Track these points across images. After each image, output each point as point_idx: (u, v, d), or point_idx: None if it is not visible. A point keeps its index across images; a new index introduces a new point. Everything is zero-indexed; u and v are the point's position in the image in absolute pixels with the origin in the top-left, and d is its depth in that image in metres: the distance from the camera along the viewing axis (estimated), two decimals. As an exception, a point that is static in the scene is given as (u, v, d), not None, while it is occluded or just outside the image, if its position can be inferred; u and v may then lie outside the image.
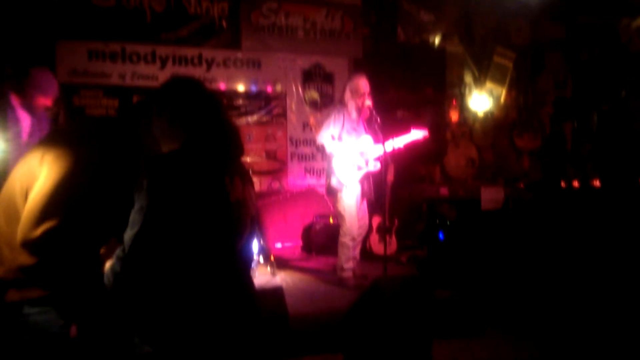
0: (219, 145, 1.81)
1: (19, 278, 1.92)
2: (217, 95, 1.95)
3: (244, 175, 1.90)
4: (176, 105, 1.81)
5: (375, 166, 4.68)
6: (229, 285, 1.78)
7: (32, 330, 1.98)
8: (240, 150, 1.93)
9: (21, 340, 2.00)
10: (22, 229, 1.83)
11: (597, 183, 6.25)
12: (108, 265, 1.76)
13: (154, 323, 1.70)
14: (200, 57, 6.07)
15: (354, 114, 4.66)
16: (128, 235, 1.66)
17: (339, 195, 4.64)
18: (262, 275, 4.88)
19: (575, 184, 6.33)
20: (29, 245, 1.83)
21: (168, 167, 1.69)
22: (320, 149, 4.68)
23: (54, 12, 5.33)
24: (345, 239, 4.64)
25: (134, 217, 1.65)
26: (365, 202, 4.80)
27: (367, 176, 4.73)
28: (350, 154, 4.60)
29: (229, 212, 1.75)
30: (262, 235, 5.22)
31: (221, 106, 1.93)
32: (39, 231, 1.80)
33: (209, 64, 6.11)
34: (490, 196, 5.66)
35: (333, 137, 4.58)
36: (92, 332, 2.31)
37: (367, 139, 4.66)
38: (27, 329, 1.98)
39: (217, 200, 1.72)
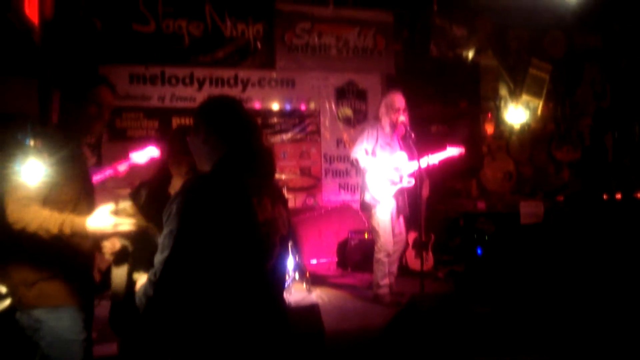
0: (249, 165, 1.84)
1: (36, 278, 2.17)
2: (251, 116, 1.98)
3: (274, 194, 1.92)
4: (209, 123, 1.86)
5: (409, 182, 4.67)
6: (260, 306, 1.80)
7: (46, 335, 2.17)
8: (271, 170, 1.95)
9: (35, 344, 2.18)
10: (7, 216, 2.11)
11: (640, 195, 6.05)
12: (139, 286, 1.80)
13: (187, 348, 1.73)
14: (236, 77, 6.21)
15: (387, 129, 4.68)
16: (158, 259, 1.69)
17: (373, 211, 4.65)
18: (298, 292, 4.91)
19: (618, 195, 6.14)
20: (13, 220, 2.08)
21: (196, 191, 1.72)
22: (354, 164, 4.72)
23: (97, 38, 5.57)
24: (380, 255, 4.63)
25: (164, 242, 1.69)
26: (402, 218, 4.80)
27: (401, 192, 4.73)
28: (384, 170, 4.61)
29: (257, 233, 1.77)
30: (298, 251, 5.27)
31: (254, 126, 1.96)
32: (13, 206, 2.09)
33: (245, 84, 6.25)
34: (530, 210, 5.54)
35: (367, 152, 4.62)
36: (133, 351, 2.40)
37: (401, 155, 4.67)
38: (42, 334, 2.17)
39: (245, 223, 1.75)
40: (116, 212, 2.17)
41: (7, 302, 2.23)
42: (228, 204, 1.73)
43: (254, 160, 1.87)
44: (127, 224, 2.15)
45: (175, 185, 2.56)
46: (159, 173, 2.60)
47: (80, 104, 2.32)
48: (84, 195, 2.35)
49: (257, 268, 1.79)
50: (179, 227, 1.67)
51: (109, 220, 2.14)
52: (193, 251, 1.68)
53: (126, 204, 2.23)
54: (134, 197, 2.52)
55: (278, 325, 1.86)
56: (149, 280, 1.72)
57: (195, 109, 1.97)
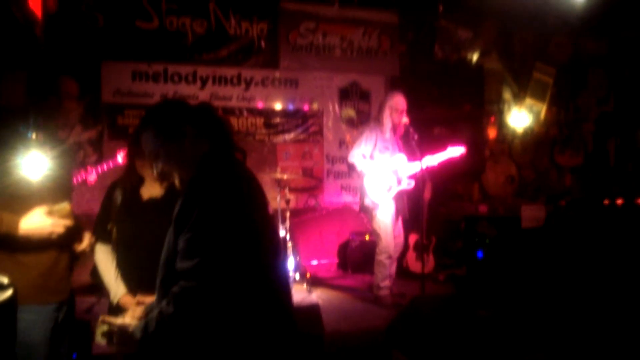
0: (238, 159, 1.83)
1: None
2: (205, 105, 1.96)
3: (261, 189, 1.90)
4: (192, 124, 1.80)
5: (408, 184, 4.65)
6: (277, 302, 1.77)
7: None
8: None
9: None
10: None
11: (643, 201, 6.03)
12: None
13: (203, 348, 1.67)
14: (239, 76, 6.19)
15: (387, 133, 4.65)
16: (183, 267, 1.62)
17: (374, 213, 4.62)
18: (298, 293, 4.88)
19: (619, 201, 6.12)
20: None
21: (216, 192, 1.66)
22: (351, 168, 4.70)
23: (99, 33, 5.55)
24: (381, 257, 4.61)
25: (188, 248, 1.62)
26: (400, 220, 4.77)
27: (401, 194, 4.70)
28: (382, 173, 4.58)
29: (269, 226, 1.77)
30: (297, 252, 5.24)
31: (225, 120, 1.97)
32: None
33: (248, 83, 6.22)
34: (531, 214, 5.51)
35: (364, 156, 4.58)
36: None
37: (400, 157, 4.64)
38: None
39: (260, 216, 1.73)
40: (50, 213, 2.12)
41: (9, 292, 2.17)
42: (244, 200, 1.71)
43: (239, 154, 1.86)
44: (62, 225, 2.12)
45: (150, 187, 2.45)
46: (129, 174, 2.47)
47: (42, 94, 2.29)
48: (48, 191, 2.21)
49: (273, 262, 1.77)
50: (204, 233, 1.61)
51: (45, 221, 2.08)
52: (222, 256, 1.63)
53: (62, 205, 2.19)
54: (109, 198, 2.48)
55: (288, 322, 1.83)
56: (174, 294, 1.64)
57: (160, 113, 1.87)
